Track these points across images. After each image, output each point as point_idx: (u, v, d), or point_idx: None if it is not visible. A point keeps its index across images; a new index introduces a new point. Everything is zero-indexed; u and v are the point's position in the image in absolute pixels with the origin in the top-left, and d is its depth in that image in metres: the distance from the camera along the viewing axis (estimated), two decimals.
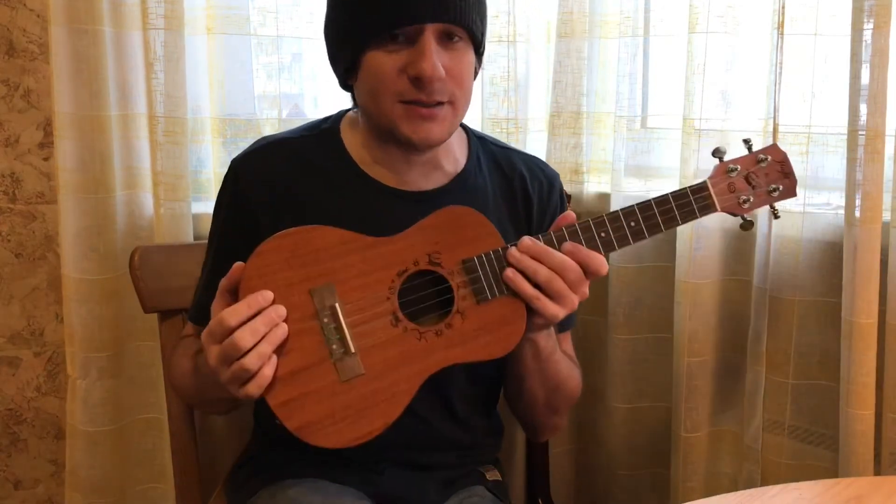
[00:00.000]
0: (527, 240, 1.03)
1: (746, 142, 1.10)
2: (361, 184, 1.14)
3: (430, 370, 1.03)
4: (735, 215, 1.09)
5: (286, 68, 1.54)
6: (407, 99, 1.04)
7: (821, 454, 1.42)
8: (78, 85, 1.39)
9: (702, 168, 1.41)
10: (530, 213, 1.22)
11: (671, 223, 1.07)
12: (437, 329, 1.03)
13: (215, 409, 1.24)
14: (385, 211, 1.12)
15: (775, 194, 1.09)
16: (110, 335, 1.47)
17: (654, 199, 1.06)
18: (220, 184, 1.17)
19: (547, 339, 1.10)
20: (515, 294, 1.03)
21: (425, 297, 1.04)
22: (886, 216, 1.28)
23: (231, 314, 0.91)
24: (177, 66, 1.41)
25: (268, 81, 1.52)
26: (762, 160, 1.09)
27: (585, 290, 1.04)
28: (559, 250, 1.03)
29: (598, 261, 1.03)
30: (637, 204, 1.05)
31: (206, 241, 1.20)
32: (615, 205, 1.53)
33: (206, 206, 1.52)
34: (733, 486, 1.49)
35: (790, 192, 1.11)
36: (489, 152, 1.23)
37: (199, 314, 1.16)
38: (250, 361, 0.92)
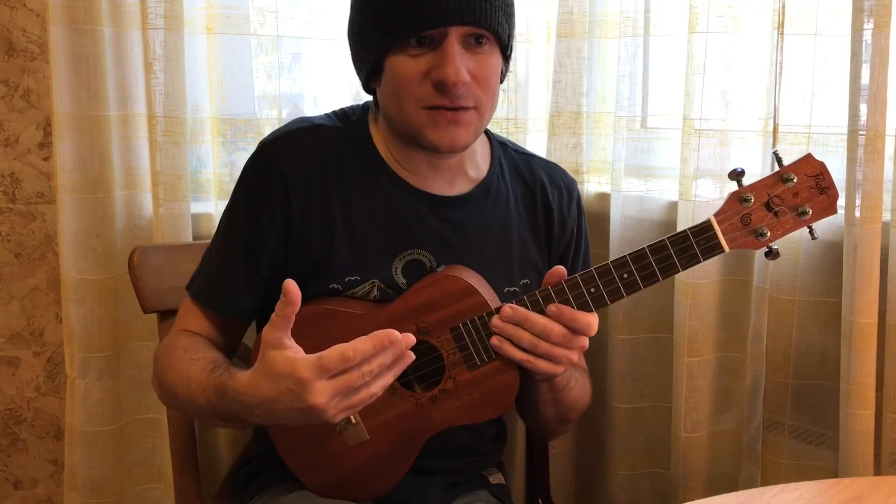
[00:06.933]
0: (507, 308, 1.03)
1: (776, 154, 0.99)
2: (390, 183, 1.12)
3: (429, 433, 1.09)
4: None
5: (286, 68, 1.54)
6: (430, 105, 1.02)
7: (821, 454, 1.42)
8: (77, 85, 1.39)
9: (702, 167, 1.41)
10: (550, 223, 1.22)
11: (669, 271, 0.99)
12: (433, 395, 1.08)
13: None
14: (413, 213, 1.12)
15: (805, 217, 0.97)
16: (109, 335, 1.47)
17: (649, 245, 0.99)
18: (250, 161, 1.12)
19: (562, 374, 1.09)
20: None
21: (419, 365, 1.07)
22: (886, 216, 1.28)
23: (357, 352, 0.87)
24: (176, 66, 1.40)
25: (268, 81, 1.52)
26: (788, 179, 0.97)
27: (582, 343, 1.03)
28: (545, 311, 1.01)
29: (584, 321, 1.01)
30: (630, 254, 1.00)
31: (214, 232, 1.16)
32: (615, 204, 1.53)
33: (205, 206, 1.52)
34: (733, 486, 1.49)
35: (827, 211, 0.98)
36: (510, 159, 1.22)
37: (211, 297, 1.13)
38: (376, 389, 0.90)
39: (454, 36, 1.00)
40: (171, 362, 1.08)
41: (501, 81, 1.11)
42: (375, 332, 0.88)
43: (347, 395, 0.89)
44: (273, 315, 0.90)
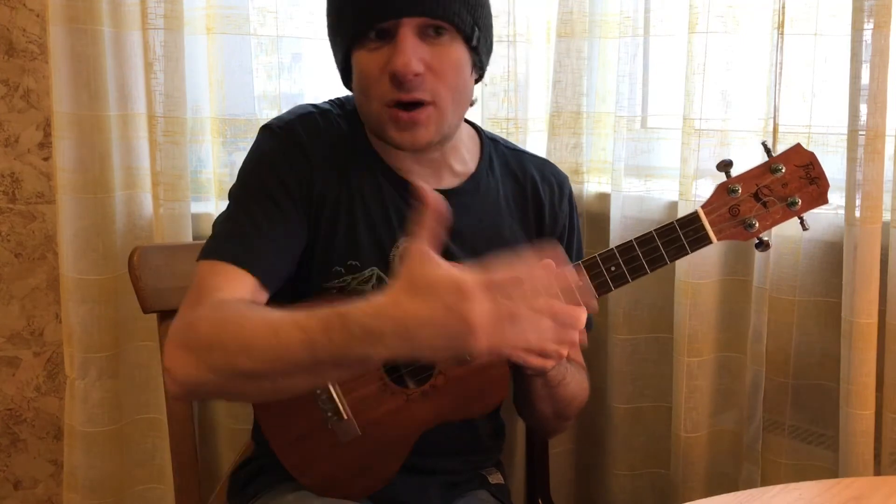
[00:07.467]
0: None
1: (764, 145, 0.99)
2: (381, 174, 1.13)
3: (421, 428, 1.09)
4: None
5: (286, 68, 1.54)
6: (389, 102, 1.02)
7: (821, 454, 1.42)
8: (77, 85, 1.39)
9: (702, 167, 1.41)
10: (542, 218, 1.21)
11: (657, 263, 0.99)
12: (423, 390, 1.08)
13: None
14: (405, 204, 1.12)
15: (795, 208, 0.97)
16: (109, 335, 1.47)
17: (636, 238, 1.00)
18: (270, 135, 1.09)
19: (556, 369, 1.09)
20: None
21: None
22: (886, 216, 1.28)
23: (527, 276, 0.77)
24: (176, 66, 1.41)
25: (268, 81, 1.52)
26: (777, 170, 0.97)
27: (571, 337, 1.00)
28: None
29: (573, 315, 1.01)
30: (617, 246, 1.00)
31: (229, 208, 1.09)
32: (615, 204, 1.53)
33: (205, 206, 1.52)
34: (733, 486, 1.49)
35: (817, 201, 0.97)
36: (501, 155, 1.22)
37: (248, 257, 1.01)
38: (533, 335, 0.78)
39: (408, 27, 1.00)
40: (232, 315, 0.92)
41: (479, 78, 1.10)
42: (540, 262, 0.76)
43: (503, 324, 0.76)
44: (415, 228, 0.80)
